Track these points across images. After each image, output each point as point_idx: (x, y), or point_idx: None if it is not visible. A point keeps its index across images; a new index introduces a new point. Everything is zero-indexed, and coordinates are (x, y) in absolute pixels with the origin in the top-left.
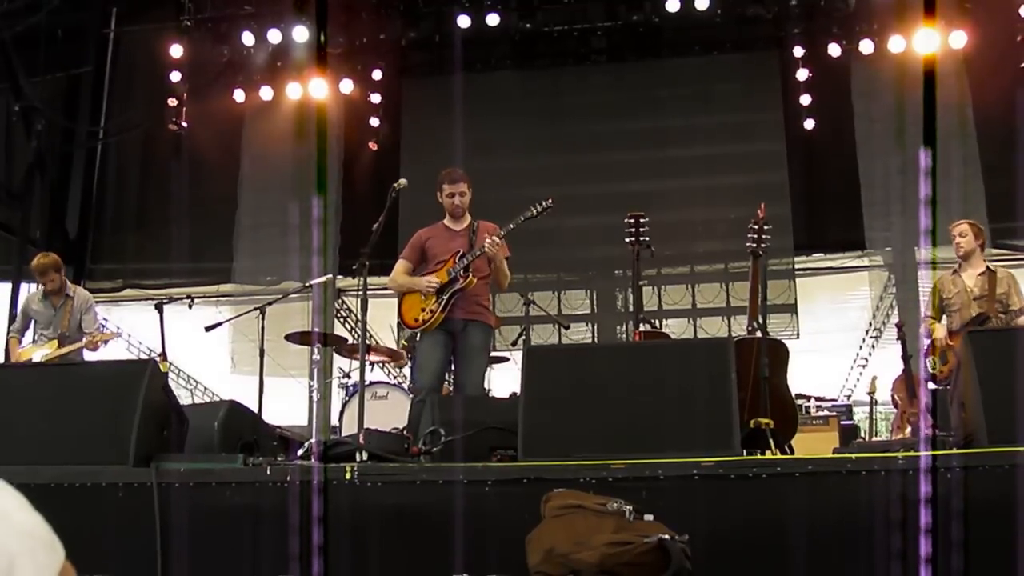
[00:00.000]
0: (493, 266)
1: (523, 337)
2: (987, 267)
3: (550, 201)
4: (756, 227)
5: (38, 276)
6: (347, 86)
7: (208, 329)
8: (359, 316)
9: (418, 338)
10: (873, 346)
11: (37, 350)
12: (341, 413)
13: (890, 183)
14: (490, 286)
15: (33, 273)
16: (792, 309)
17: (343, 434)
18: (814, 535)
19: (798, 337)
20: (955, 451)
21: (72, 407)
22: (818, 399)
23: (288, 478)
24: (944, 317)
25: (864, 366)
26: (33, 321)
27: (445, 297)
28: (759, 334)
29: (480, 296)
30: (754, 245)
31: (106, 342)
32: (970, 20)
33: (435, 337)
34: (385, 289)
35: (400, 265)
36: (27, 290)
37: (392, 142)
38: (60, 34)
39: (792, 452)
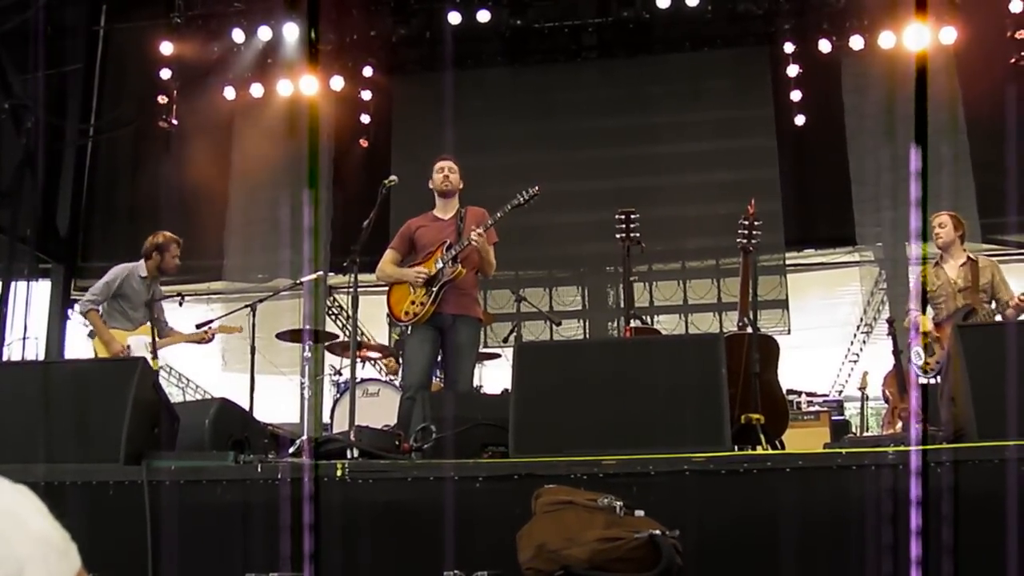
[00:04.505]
0: (480, 254)
1: (514, 333)
2: (968, 257)
3: (536, 188)
4: (747, 223)
5: (166, 253)
6: (338, 83)
7: (199, 327)
8: (350, 313)
9: (408, 331)
10: (864, 341)
11: (131, 336)
12: (332, 410)
13: (881, 179)
14: (478, 277)
15: (164, 246)
16: (783, 305)
17: (334, 431)
18: (805, 530)
19: (789, 333)
20: (945, 446)
21: (62, 405)
22: (809, 394)
23: (279, 475)
24: (929, 309)
25: (855, 361)
26: (119, 297)
27: (435, 289)
28: (750, 330)
29: (470, 289)
30: (745, 241)
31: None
32: (960, 16)
33: (423, 333)
34: (376, 286)
35: (388, 255)
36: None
37: (383, 139)
38: (50, 31)
39: (783, 447)
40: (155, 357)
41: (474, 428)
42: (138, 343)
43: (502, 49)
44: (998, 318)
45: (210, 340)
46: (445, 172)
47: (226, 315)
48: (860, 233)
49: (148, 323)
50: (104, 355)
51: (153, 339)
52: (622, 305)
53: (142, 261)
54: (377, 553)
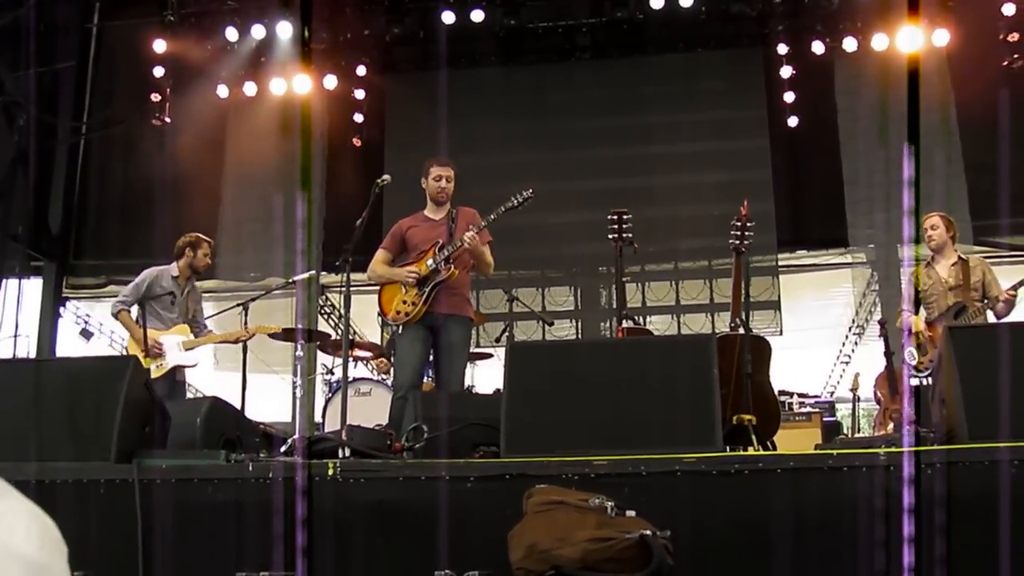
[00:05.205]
0: (475, 255)
1: (507, 333)
2: (959, 256)
3: (530, 191)
4: (739, 224)
5: (198, 250)
6: (331, 82)
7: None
8: (342, 312)
9: (399, 331)
10: (856, 343)
11: (168, 335)
12: (324, 409)
13: (873, 180)
14: (472, 275)
15: (195, 244)
16: (775, 306)
17: (326, 430)
18: (796, 531)
19: (781, 334)
20: (936, 447)
21: (54, 403)
22: (801, 395)
23: (271, 474)
24: (922, 310)
25: (847, 363)
26: (150, 298)
27: (427, 289)
28: (742, 330)
29: (462, 288)
30: (737, 242)
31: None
32: (953, 18)
33: (415, 333)
34: (368, 285)
35: (379, 255)
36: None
37: (376, 138)
38: (42, 28)
39: (774, 448)
40: (147, 356)
41: (466, 428)
42: (171, 342)
43: (496, 49)
44: (989, 314)
45: (248, 340)
46: (443, 183)
47: (218, 313)
48: (852, 234)
49: (183, 323)
50: (138, 354)
51: (145, 339)
52: (614, 305)
53: (174, 263)
54: (369, 552)
